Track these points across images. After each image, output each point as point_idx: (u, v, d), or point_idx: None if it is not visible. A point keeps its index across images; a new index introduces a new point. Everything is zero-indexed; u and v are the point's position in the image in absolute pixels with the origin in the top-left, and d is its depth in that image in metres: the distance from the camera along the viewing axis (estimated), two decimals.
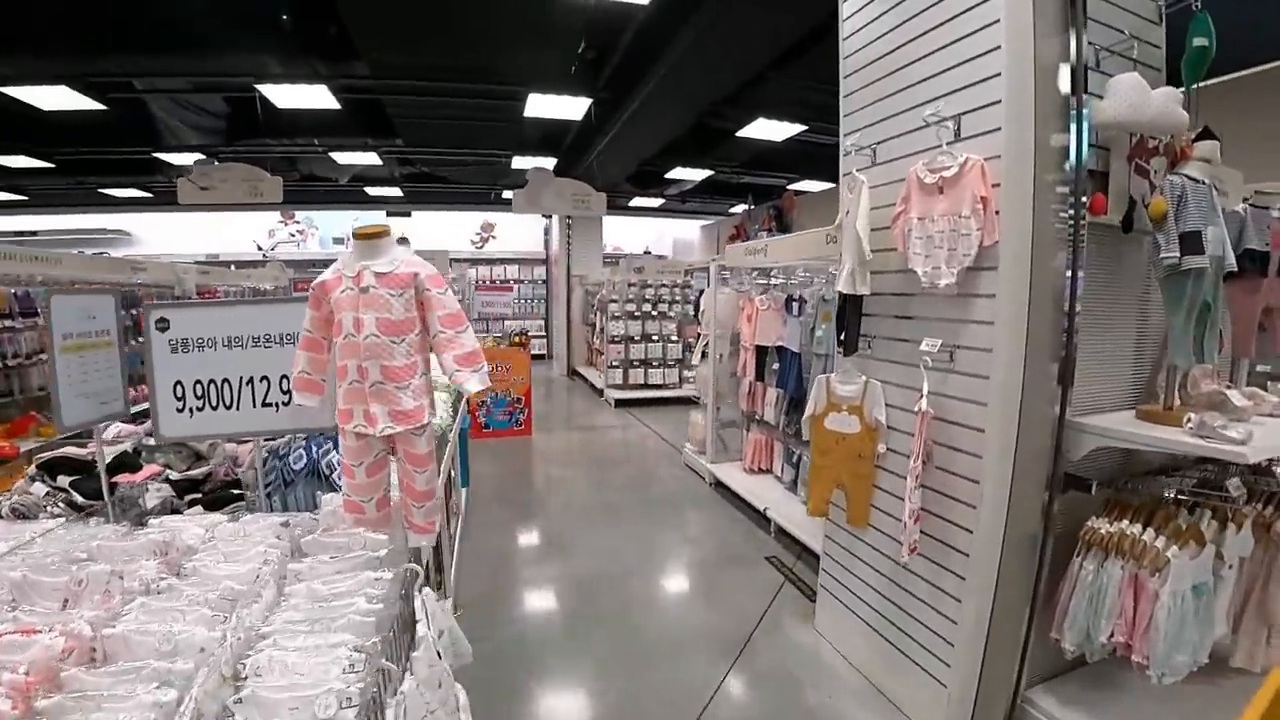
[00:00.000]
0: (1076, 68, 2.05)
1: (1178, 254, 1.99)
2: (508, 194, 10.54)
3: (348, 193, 12.16)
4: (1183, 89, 2.45)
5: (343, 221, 13.70)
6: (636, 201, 13.86)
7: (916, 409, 2.24)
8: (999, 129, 2.07)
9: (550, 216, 13.09)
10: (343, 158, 9.31)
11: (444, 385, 3.97)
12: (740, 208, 13.54)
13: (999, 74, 2.08)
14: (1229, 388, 2.49)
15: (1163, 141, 2.39)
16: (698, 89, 6.72)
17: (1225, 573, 2.18)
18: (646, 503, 5.04)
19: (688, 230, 16.26)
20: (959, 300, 2.23)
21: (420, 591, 1.35)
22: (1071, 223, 2.02)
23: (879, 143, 2.61)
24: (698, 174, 10.92)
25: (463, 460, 4.81)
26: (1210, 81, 5.10)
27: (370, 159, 9.36)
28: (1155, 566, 1.99)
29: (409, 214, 13.71)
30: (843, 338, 2.60)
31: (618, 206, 14.06)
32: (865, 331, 2.64)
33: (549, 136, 9.43)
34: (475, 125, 8.52)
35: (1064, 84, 2.09)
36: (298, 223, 13.96)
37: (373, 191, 12.17)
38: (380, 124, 8.20)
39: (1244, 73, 4.69)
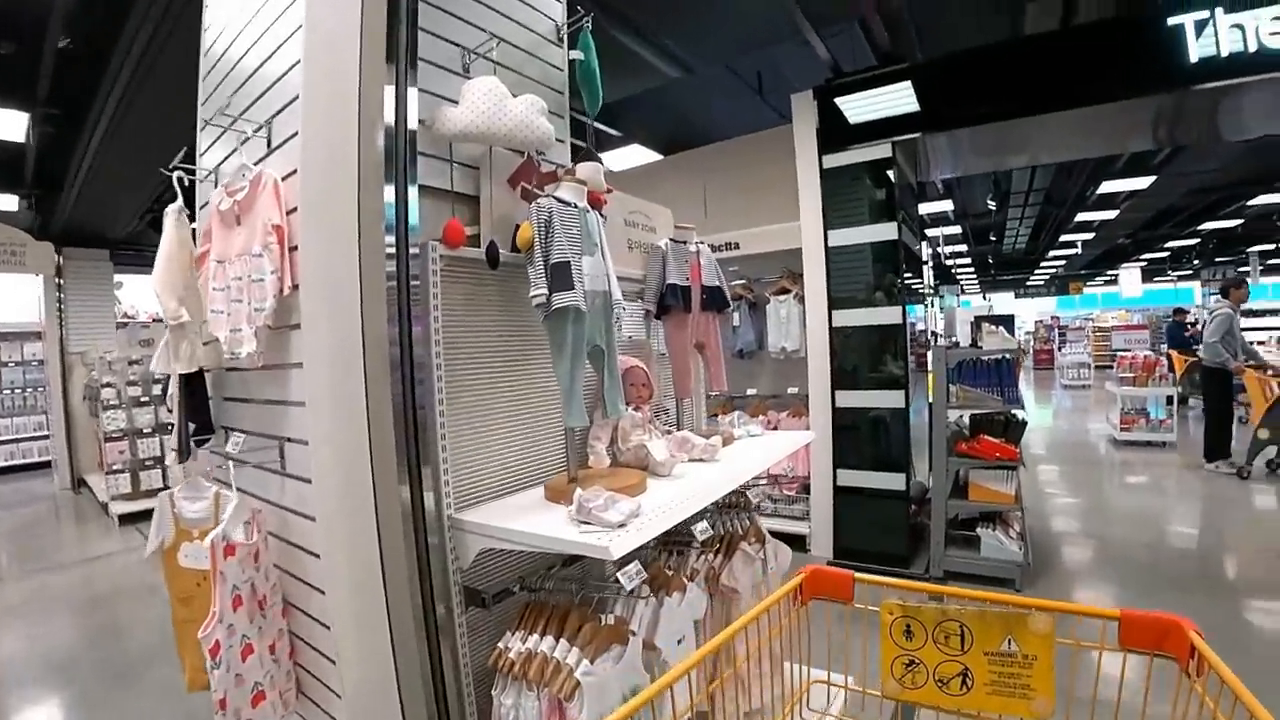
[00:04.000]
0: (401, 69, 1.56)
1: (546, 290, 1.62)
2: None
3: None
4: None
5: None
6: None
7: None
8: (296, 134, 1.49)
9: (39, 274, 9.19)
10: None
11: None
12: None
13: (298, 62, 1.51)
14: (668, 433, 2.31)
15: (562, 167, 2.13)
16: (175, 113, 5.32)
17: (675, 649, 1.87)
18: (112, 667, 3.51)
19: None
20: (275, 375, 1.58)
21: None
22: (396, 258, 1.49)
23: (222, 163, 1.88)
24: None
25: None
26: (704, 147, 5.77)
27: None
28: (567, 693, 1.54)
29: None
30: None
31: (143, 261, 10.99)
32: (228, 423, 1.86)
33: None
34: None
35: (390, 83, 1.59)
36: None
37: None
38: None
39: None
